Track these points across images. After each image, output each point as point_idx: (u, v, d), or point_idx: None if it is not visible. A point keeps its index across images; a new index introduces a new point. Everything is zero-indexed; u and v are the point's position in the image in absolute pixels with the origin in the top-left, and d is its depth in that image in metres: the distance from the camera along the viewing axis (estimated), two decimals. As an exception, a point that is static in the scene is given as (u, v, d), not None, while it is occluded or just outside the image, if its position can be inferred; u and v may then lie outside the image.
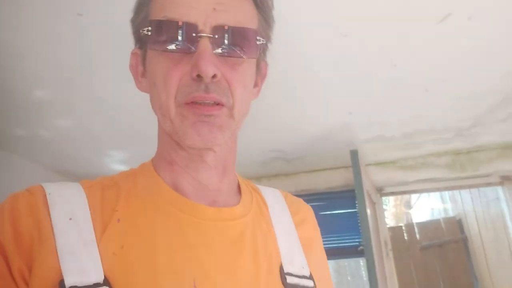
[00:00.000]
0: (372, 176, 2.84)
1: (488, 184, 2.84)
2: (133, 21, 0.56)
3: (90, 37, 1.40)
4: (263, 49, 0.57)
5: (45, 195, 0.48)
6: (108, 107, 1.92)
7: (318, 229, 0.68)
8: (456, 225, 4.52)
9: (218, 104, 0.49)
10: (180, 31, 0.48)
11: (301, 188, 2.92)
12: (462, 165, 2.73)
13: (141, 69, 0.57)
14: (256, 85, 0.59)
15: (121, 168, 2.77)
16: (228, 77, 0.50)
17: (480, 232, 3.90)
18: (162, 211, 0.51)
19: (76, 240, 0.45)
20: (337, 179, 2.91)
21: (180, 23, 0.48)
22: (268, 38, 0.57)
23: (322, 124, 2.21)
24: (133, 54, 0.59)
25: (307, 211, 0.68)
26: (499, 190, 2.85)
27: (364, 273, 4.15)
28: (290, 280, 0.53)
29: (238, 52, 0.50)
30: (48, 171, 2.59)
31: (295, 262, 0.56)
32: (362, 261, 4.07)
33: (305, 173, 2.97)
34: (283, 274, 0.53)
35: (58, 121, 2.03)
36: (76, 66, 1.57)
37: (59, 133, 2.14)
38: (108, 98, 1.83)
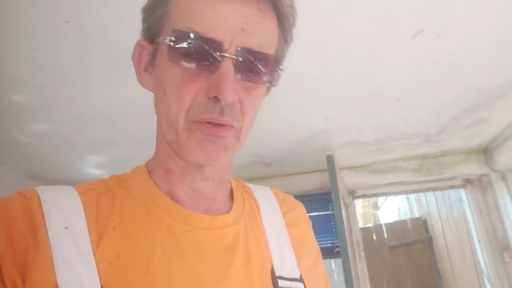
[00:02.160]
0: (346, 180, 2.95)
1: (452, 187, 3.02)
2: (147, 13, 0.52)
3: (74, 43, 1.40)
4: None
5: (39, 201, 0.46)
6: (86, 112, 1.90)
7: (310, 223, 0.68)
8: (422, 225, 4.74)
9: (228, 125, 0.48)
10: (203, 47, 0.45)
11: (278, 192, 2.98)
12: (429, 169, 2.89)
13: (145, 63, 0.54)
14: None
15: (97, 172, 2.73)
16: (243, 101, 0.48)
17: (444, 232, 4.12)
18: (157, 219, 0.50)
19: (72, 250, 0.44)
20: (312, 183, 3.00)
21: (205, 39, 0.45)
22: (283, 56, 0.55)
23: (300, 129, 2.29)
24: (138, 45, 0.54)
25: (300, 209, 0.68)
26: (462, 192, 3.04)
27: (335, 274, 4.27)
28: (281, 283, 0.54)
29: (257, 78, 0.48)
30: (20, 175, 2.52)
31: (286, 264, 0.57)
32: (333, 262, 4.18)
33: (281, 177, 3.04)
34: (274, 278, 0.54)
35: (34, 126, 1.99)
36: (58, 72, 1.56)
37: (35, 137, 2.10)
38: (87, 103, 1.82)
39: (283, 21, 0.52)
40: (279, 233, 0.60)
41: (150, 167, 0.56)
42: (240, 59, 0.46)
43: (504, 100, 2.04)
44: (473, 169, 2.80)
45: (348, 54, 1.57)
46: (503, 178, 2.72)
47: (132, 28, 1.31)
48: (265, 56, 0.48)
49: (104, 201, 0.50)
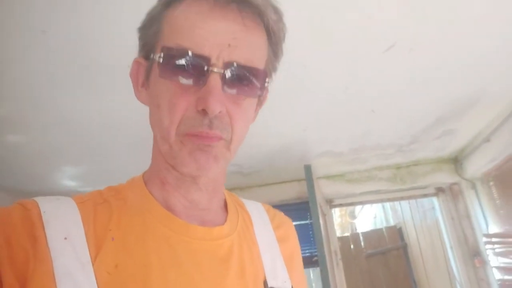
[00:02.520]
0: (323, 189, 2.99)
1: (425, 195, 3.12)
2: (142, 32, 0.55)
3: (51, 55, 1.39)
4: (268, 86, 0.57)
5: (39, 212, 0.46)
6: (62, 124, 1.88)
7: (298, 242, 0.70)
8: (397, 233, 4.84)
9: (218, 137, 0.50)
10: (191, 62, 0.47)
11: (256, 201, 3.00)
12: (402, 178, 2.98)
13: (142, 80, 0.56)
14: (254, 111, 0.60)
15: (72, 184, 2.67)
16: (231, 113, 0.50)
17: (418, 240, 4.22)
18: (154, 229, 0.51)
19: (72, 260, 0.44)
20: (290, 192, 3.03)
21: (193, 55, 0.47)
22: (274, 70, 0.57)
23: (279, 139, 2.33)
24: (136, 62, 0.57)
25: (288, 225, 0.70)
26: (434, 200, 3.14)
27: (313, 284, 4.29)
28: None
29: (245, 90, 0.50)
30: (-9, 188, 2.44)
31: (278, 276, 0.58)
32: (312, 272, 4.21)
33: (259, 187, 3.06)
34: None
35: (9, 137, 1.94)
36: (34, 83, 1.54)
37: (9, 149, 2.04)
38: (65, 114, 1.80)
39: (272, 36, 0.53)
40: (271, 246, 0.62)
41: (146, 178, 0.57)
42: (227, 73, 0.48)
43: (472, 112, 2.15)
44: (444, 178, 2.91)
45: (324, 67, 1.62)
46: (473, 186, 2.83)
47: (109, 41, 1.32)
48: (252, 69, 0.49)
49: (101, 211, 0.51)
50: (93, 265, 0.45)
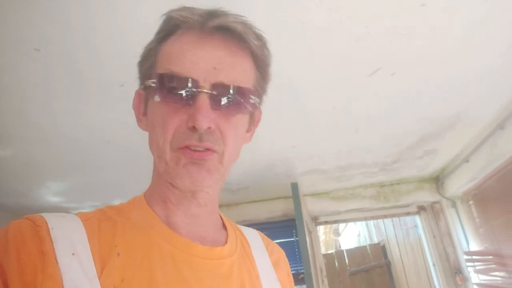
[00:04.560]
0: (308, 206, 3.03)
1: (408, 214, 3.18)
2: (140, 65, 0.60)
3: (42, 70, 1.40)
4: (258, 101, 0.61)
5: (48, 228, 0.48)
6: (49, 137, 1.87)
7: (291, 274, 0.73)
8: (380, 250, 4.89)
9: (209, 149, 0.53)
10: (182, 85, 0.52)
11: (243, 219, 3.01)
12: (386, 196, 3.04)
13: (142, 109, 0.60)
14: (248, 130, 0.63)
15: (56, 199, 2.64)
16: (222, 128, 0.54)
17: (401, 257, 4.27)
18: (158, 245, 0.53)
19: (80, 275, 0.46)
20: (276, 210, 3.05)
21: (182, 78, 0.52)
22: (263, 91, 0.62)
23: (267, 157, 2.36)
24: (137, 94, 0.62)
25: (281, 253, 0.73)
26: (417, 218, 3.20)
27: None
28: None
29: (233, 107, 0.54)
30: (-28, 203, 2.38)
31: None
32: (296, 289, 4.19)
33: (246, 204, 3.08)
34: None
35: (-7, 151, 1.92)
36: (23, 96, 1.54)
37: (-7, 163, 2.02)
38: (51, 129, 1.80)
39: (257, 59, 0.58)
40: (268, 272, 0.65)
41: (148, 197, 0.60)
42: (215, 92, 0.52)
43: (451, 133, 2.23)
44: (426, 196, 2.98)
45: (312, 88, 1.67)
46: (453, 205, 2.91)
47: (100, 59, 1.34)
48: (239, 88, 0.54)
49: (105, 227, 0.53)
50: (99, 279, 0.46)
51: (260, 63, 0.59)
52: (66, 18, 1.19)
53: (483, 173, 2.43)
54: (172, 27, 0.56)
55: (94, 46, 1.31)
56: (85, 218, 0.53)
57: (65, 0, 1.13)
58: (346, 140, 2.26)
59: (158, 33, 0.58)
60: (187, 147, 0.52)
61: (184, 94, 0.51)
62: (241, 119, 0.58)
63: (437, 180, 2.97)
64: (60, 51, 1.33)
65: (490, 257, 2.45)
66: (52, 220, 0.50)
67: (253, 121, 0.63)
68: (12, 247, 0.45)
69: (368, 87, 1.71)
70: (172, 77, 0.52)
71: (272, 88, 1.69)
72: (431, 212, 3.03)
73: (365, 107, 1.89)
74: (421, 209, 3.09)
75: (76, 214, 0.54)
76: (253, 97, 0.56)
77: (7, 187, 2.32)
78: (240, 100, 0.54)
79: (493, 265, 2.42)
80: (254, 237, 0.70)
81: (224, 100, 0.53)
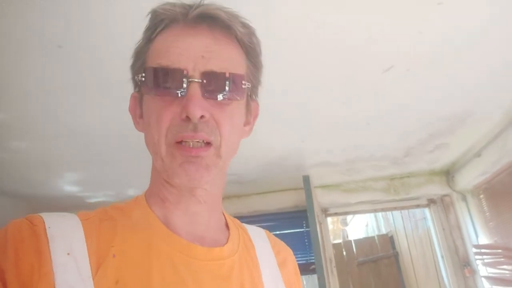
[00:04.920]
0: (319, 198, 3.06)
1: (417, 206, 3.20)
2: (132, 67, 0.59)
3: (64, 68, 1.44)
4: (252, 91, 0.60)
5: (45, 228, 0.48)
6: (67, 131, 1.92)
7: (299, 274, 0.71)
8: (388, 241, 4.92)
9: (206, 143, 0.52)
10: (171, 77, 0.51)
11: (253, 209, 3.06)
12: (396, 189, 3.06)
13: (139, 111, 0.60)
14: (247, 123, 0.62)
15: (74, 189, 2.71)
16: (216, 117, 0.53)
17: (409, 248, 4.30)
18: (156, 247, 0.52)
19: (74, 275, 0.45)
20: (287, 201, 3.09)
21: (171, 70, 0.51)
22: (257, 81, 0.61)
23: (278, 150, 2.39)
24: (132, 97, 0.61)
25: (288, 252, 0.72)
26: (426, 211, 3.22)
27: (306, 290, 4.34)
28: None
29: (226, 94, 0.53)
30: (-8, 192, 2.47)
31: None
32: (305, 279, 4.26)
33: (257, 195, 3.12)
34: None
35: (13, 143, 1.98)
36: (44, 92, 1.59)
37: (12, 154, 2.08)
38: (70, 124, 1.85)
39: (245, 47, 0.58)
40: (273, 270, 0.63)
41: (148, 197, 0.59)
42: (205, 81, 0.52)
43: (463, 128, 2.23)
44: (436, 189, 2.99)
45: (324, 83, 1.69)
46: (464, 198, 2.92)
47: (114, 58, 1.37)
48: (229, 75, 0.53)
49: (105, 227, 0.52)
50: (93, 279, 0.46)
51: (250, 51, 0.58)
52: (87, 17, 1.22)
53: (494, 168, 2.44)
54: (157, 22, 0.56)
55: (113, 45, 1.34)
56: (85, 218, 0.53)
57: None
58: (356, 134, 2.27)
59: (146, 31, 0.57)
60: (182, 141, 0.51)
61: (174, 86, 0.51)
62: (236, 108, 0.56)
63: (448, 174, 2.97)
64: (80, 51, 1.36)
65: (499, 250, 2.47)
66: (50, 219, 0.50)
67: (250, 113, 0.62)
68: (10, 247, 0.45)
69: (380, 84, 1.72)
70: (161, 70, 0.52)
71: (281, 85, 1.73)
72: (441, 205, 3.05)
73: (377, 103, 1.91)
74: (431, 202, 3.11)
75: (77, 214, 0.54)
76: (245, 82, 0.55)
77: (26, 178, 2.39)
78: (232, 87, 0.53)
79: (502, 259, 2.44)
80: (259, 236, 0.69)
81: (216, 88, 0.52)
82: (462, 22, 1.37)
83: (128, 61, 1.40)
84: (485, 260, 2.60)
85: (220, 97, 0.53)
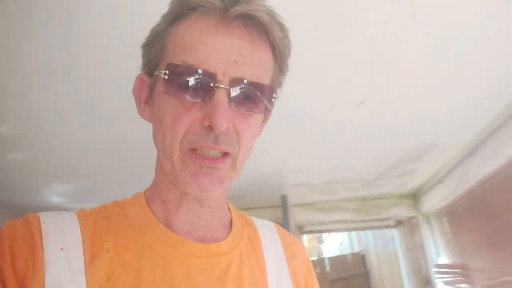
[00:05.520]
0: (295, 216, 3.23)
1: (387, 227, 3.41)
2: (146, 48, 0.54)
3: (74, 87, 1.58)
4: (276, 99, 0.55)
5: (39, 224, 0.48)
6: (60, 145, 2.03)
7: (313, 270, 0.68)
8: (361, 260, 5.12)
9: (223, 154, 0.49)
10: (198, 79, 0.46)
11: (233, 225, 3.19)
12: (367, 209, 3.26)
13: (145, 96, 0.55)
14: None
15: (60, 200, 2.79)
16: (238, 128, 0.49)
17: (380, 267, 4.51)
18: (150, 245, 0.51)
19: (64, 271, 0.45)
20: (264, 217, 3.21)
21: (199, 71, 0.46)
22: (280, 85, 0.57)
23: (260, 171, 2.56)
24: (139, 79, 0.56)
25: (299, 247, 0.68)
26: (394, 231, 3.44)
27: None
28: None
29: (252, 106, 0.49)
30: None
31: None
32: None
33: (237, 211, 3.25)
34: None
35: (8, 155, 2.07)
36: (45, 112, 1.71)
37: (5, 165, 2.17)
38: (63, 139, 1.97)
39: (277, 52, 0.53)
40: (280, 267, 0.60)
41: (148, 195, 0.57)
42: (234, 89, 0.47)
43: (428, 156, 2.47)
44: (404, 212, 3.22)
45: (305, 112, 1.88)
46: (428, 221, 3.15)
47: (111, 84, 1.52)
48: (259, 85, 0.49)
49: (101, 225, 0.51)
50: (85, 274, 0.46)
51: (280, 55, 0.54)
52: (100, 45, 1.37)
53: (455, 194, 2.67)
54: (186, 9, 0.50)
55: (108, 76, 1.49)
56: (82, 215, 0.52)
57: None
58: (332, 159, 2.47)
59: (169, 14, 0.52)
60: (197, 150, 0.48)
61: (199, 89, 0.46)
62: (258, 119, 0.54)
63: (415, 197, 3.21)
64: (82, 79, 1.51)
65: (457, 270, 2.68)
66: (45, 217, 0.50)
67: (265, 117, 0.58)
68: (6, 245, 0.45)
69: (355, 114, 1.93)
70: (186, 69, 0.47)
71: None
72: (407, 226, 3.27)
73: (351, 131, 2.11)
74: (398, 223, 3.32)
75: (76, 211, 0.53)
76: (274, 95, 0.52)
77: (16, 187, 2.46)
78: (261, 99, 0.49)
79: (460, 278, 2.66)
80: (267, 229, 0.66)
81: (244, 98, 0.48)
82: (431, 64, 1.58)
83: (128, 86, 1.54)
84: (445, 279, 2.81)
85: (247, 108, 0.49)
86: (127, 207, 0.55)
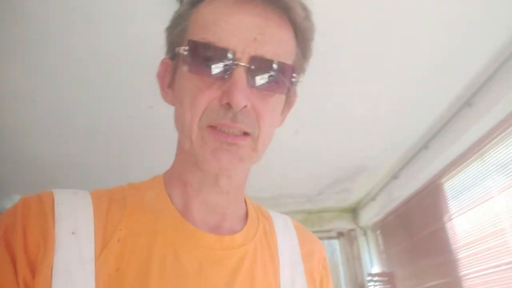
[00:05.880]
0: (246, 227, 3.47)
1: (330, 238, 3.73)
2: (169, 31, 0.54)
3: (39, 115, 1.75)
4: (297, 81, 0.54)
5: (53, 204, 0.47)
6: (19, 158, 2.18)
7: (328, 268, 0.65)
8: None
9: (244, 133, 0.48)
10: (217, 56, 0.47)
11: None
12: (312, 222, 3.56)
13: (168, 80, 0.55)
14: (282, 113, 0.57)
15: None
16: (258, 108, 0.48)
17: (325, 275, 4.82)
18: (163, 234, 0.50)
19: (74, 257, 0.44)
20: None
21: (218, 48, 0.46)
22: (302, 71, 0.55)
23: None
24: (163, 63, 0.56)
25: (317, 244, 0.66)
26: (336, 242, 3.76)
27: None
28: None
29: (272, 86, 0.49)
30: None
31: None
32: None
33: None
34: None
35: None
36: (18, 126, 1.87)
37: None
38: (30, 157, 2.12)
39: (299, 34, 0.52)
40: (294, 264, 0.59)
41: (167, 179, 0.56)
42: (253, 67, 0.47)
43: (360, 177, 2.80)
44: (345, 224, 3.55)
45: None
46: (365, 233, 3.50)
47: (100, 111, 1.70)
48: (279, 64, 0.48)
49: (115, 209, 0.50)
50: (95, 262, 0.45)
51: (303, 37, 0.53)
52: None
53: (385, 210, 3.03)
54: None
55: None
56: (97, 196, 0.51)
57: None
58: (279, 177, 2.75)
59: None
60: (217, 127, 0.47)
61: (218, 67, 0.47)
62: (278, 100, 0.52)
63: (354, 211, 3.55)
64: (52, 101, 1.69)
65: (386, 278, 3.03)
66: (60, 196, 0.49)
67: (288, 103, 0.57)
68: (19, 224, 0.45)
69: (294, 141, 2.21)
70: (206, 46, 0.47)
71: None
72: (348, 238, 3.60)
73: (291, 155, 2.40)
74: (340, 234, 3.65)
75: (91, 192, 0.52)
76: (295, 75, 0.51)
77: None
78: (281, 78, 0.49)
79: (387, 285, 3.00)
80: (284, 224, 0.65)
81: (263, 77, 0.48)
82: (356, 102, 1.89)
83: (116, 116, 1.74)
84: (375, 287, 3.15)
85: (266, 87, 0.48)
86: (144, 190, 0.55)
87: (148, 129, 1.99)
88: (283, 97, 0.53)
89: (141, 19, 1.31)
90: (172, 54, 0.53)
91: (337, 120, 2.03)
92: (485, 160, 2.01)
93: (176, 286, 0.47)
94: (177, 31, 0.52)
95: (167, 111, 0.58)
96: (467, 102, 1.87)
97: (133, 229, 0.49)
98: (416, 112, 2.01)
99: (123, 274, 0.45)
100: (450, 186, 2.37)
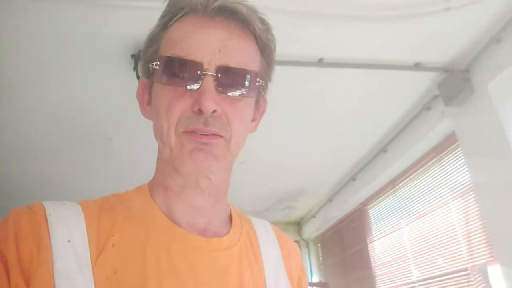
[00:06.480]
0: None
1: (276, 248, 4.06)
2: (144, 53, 0.59)
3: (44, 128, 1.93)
4: (263, 88, 0.58)
5: (45, 215, 0.48)
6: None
7: (305, 270, 0.70)
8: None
9: (217, 135, 0.51)
10: (186, 68, 0.50)
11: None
12: (261, 233, 3.88)
13: (147, 98, 0.59)
14: (254, 120, 0.60)
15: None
16: (228, 112, 0.52)
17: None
18: (154, 238, 0.52)
19: (72, 264, 0.46)
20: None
21: (187, 61, 0.50)
22: (268, 79, 0.59)
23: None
24: (141, 83, 0.60)
25: (294, 247, 0.70)
26: (283, 252, 4.10)
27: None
28: None
29: (238, 91, 0.52)
30: None
31: None
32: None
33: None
34: None
35: None
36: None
37: None
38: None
39: (261, 44, 0.56)
40: (276, 264, 0.62)
41: (151, 187, 0.59)
42: (220, 75, 0.50)
43: (301, 198, 3.15)
44: (290, 236, 3.78)
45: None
46: (307, 245, 3.85)
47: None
48: (244, 71, 0.52)
49: (105, 216, 0.52)
50: (92, 268, 0.46)
51: (265, 48, 0.57)
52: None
53: (323, 227, 3.39)
54: (176, 10, 0.55)
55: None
56: (86, 206, 0.53)
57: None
58: (230, 195, 3.02)
59: (162, 17, 0.57)
60: (192, 131, 0.51)
61: (188, 78, 0.51)
62: (247, 104, 0.56)
63: (298, 225, 3.90)
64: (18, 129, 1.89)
65: (321, 287, 3.39)
66: (51, 207, 0.50)
67: (258, 110, 0.61)
68: (11, 234, 0.46)
69: (242, 168, 2.49)
70: (176, 60, 0.51)
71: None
72: (292, 248, 3.94)
73: (238, 178, 2.68)
74: (286, 245, 3.98)
75: (79, 202, 0.54)
76: (259, 80, 0.55)
77: None
78: (245, 83, 0.53)
79: (322, 294, 3.37)
80: (264, 228, 0.69)
81: (230, 84, 0.52)
82: (297, 137, 2.19)
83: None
84: (312, 295, 3.51)
85: (233, 93, 0.52)
86: (129, 199, 0.56)
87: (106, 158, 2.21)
88: (251, 101, 0.57)
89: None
90: (148, 72, 0.57)
91: (276, 155, 2.34)
92: (397, 195, 2.39)
93: (173, 285, 0.49)
94: (150, 51, 0.56)
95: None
96: (383, 149, 2.23)
97: (126, 235, 0.51)
98: (345, 152, 2.36)
99: (121, 276, 0.47)
100: (373, 213, 2.75)
